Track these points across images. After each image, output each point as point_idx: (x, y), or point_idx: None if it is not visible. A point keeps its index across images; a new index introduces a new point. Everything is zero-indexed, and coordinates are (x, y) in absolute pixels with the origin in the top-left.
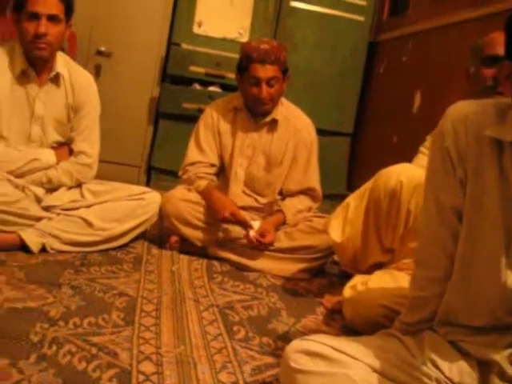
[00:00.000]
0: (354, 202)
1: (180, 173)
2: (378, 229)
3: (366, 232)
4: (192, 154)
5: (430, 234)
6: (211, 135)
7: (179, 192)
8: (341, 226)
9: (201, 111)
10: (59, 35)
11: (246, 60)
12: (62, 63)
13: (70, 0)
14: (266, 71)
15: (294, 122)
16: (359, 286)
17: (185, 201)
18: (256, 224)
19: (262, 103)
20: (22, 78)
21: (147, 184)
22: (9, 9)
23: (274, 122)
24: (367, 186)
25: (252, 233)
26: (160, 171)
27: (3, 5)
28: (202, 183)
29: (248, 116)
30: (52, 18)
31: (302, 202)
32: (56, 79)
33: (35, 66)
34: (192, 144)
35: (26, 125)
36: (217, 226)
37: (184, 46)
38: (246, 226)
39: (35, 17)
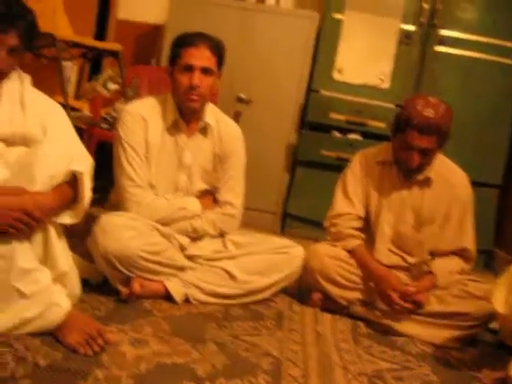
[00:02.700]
0: None
1: (327, 224)
2: None
3: None
4: (339, 204)
5: None
6: (359, 186)
7: (325, 247)
8: (505, 295)
9: (340, 159)
10: (210, 87)
11: (405, 122)
12: (211, 113)
13: (222, 53)
14: (421, 141)
15: (449, 178)
16: None
17: (331, 257)
18: None
19: (410, 169)
20: (173, 128)
21: (282, 230)
22: (154, 59)
23: (428, 180)
24: None
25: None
26: (295, 218)
27: (148, 55)
28: (354, 242)
29: (397, 171)
30: (205, 71)
31: (455, 262)
32: (204, 129)
33: (185, 116)
34: (339, 194)
35: (174, 173)
36: (363, 285)
37: (323, 92)
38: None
39: (189, 69)
